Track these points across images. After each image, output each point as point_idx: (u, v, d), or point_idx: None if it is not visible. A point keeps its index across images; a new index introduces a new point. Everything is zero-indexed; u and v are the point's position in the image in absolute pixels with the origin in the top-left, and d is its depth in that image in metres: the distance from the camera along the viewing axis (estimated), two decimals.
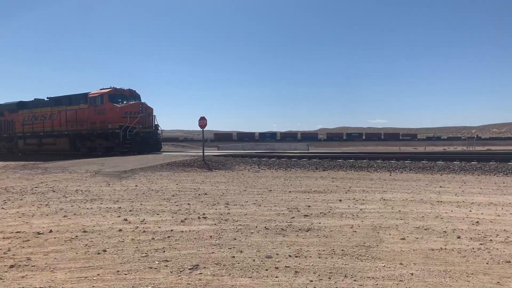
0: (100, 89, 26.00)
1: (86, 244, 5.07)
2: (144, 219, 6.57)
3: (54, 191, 10.11)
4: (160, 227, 6.01)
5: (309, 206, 7.64)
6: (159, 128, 26.76)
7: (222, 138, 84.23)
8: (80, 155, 25.57)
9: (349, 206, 7.62)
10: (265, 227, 5.95)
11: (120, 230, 5.80)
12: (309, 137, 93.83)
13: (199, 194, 9.40)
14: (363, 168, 15.60)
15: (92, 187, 11.04)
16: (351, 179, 12.73)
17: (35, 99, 29.89)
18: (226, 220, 6.49)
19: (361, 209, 7.29)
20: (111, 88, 25.70)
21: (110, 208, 7.61)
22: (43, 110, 28.63)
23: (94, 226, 6.05)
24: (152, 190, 10.24)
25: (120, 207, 7.66)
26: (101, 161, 19.12)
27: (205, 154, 19.63)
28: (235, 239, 5.30)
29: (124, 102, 25.41)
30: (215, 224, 6.16)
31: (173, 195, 9.25)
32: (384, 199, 8.44)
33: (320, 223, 6.22)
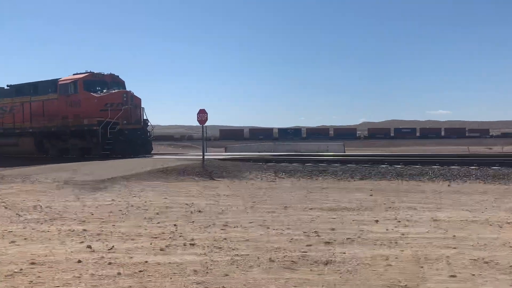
0: (73, 74, 26.24)
1: (31, 281, 5.04)
2: (113, 246, 6.55)
3: (6, 207, 10.23)
4: (131, 257, 5.95)
5: (333, 229, 7.53)
6: (148, 123, 26.89)
7: (230, 135, 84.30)
8: (48, 159, 25.92)
9: (387, 229, 7.47)
10: (269, 258, 5.83)
11: (79, 261, 5.77)
12: (345, 133, 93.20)
13: (191, 212, 9.40)
14: (414, 176, 15.37)
15: (55, 201, 11.15)
16: (395, 191, 12.61)
17: None
18: (220, 248, 6.40)
19: (402, 234, 7.13)
20: (88, 72, 25.86)
21: (73, 230, 7.63)
22: (1, 102, 29.19)
23: (46, 256, 6.04)
24: (132, 206, 10.30)
25: (85, 230, 7.67)
26: (74, 167, 19.33)
27: (208, 157, 19.68)
28: (227, 275, 5.20)
29: (104, 90, 25.55)
30: (205, 254, 6.08)
31: (157, 213, 9.27)
32: (436, 220, 8.26)
33: (344, 253, 6.06)
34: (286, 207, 9.94)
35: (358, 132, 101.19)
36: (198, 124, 19.18)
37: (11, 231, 7.63)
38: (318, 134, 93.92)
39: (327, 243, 6.61)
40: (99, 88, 25.73)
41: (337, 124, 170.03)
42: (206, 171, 17.11)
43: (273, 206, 10.09)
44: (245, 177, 16.66)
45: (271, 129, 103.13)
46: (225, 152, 32.57)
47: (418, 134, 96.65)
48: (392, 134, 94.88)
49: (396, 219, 8.35)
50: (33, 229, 7.82)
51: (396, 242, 6.60)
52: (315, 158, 19.91)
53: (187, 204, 10.40)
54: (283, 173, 17.05)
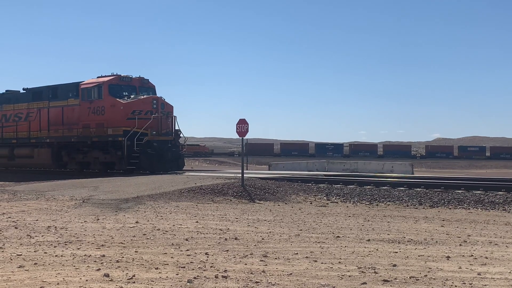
0: (98, 77, 27.01)
1: None
2: (134, 275, 6.65)
3: (16, 228, 10.57)
4: None
5: (394, 265, 7.42)
6: (181, 135, 27.30)
7: (256, 150, 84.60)
8: (66, 174, 26.74)
9: (460, 268, 7.30)
10: None
11: None
12: (397, 151, 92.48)
13: (225, 239, 9.47)
14: (496, 204, 15.01)
15: (72, 222, 11.45)
16: (473, 222, 12.44)
17: (6, 91, 31.73)
18: (257, 282, 6.40)
19: (479, 274, 6.95)
20: (113, 75, 26.61)
21: (90, 256, 7.79)
22: (16, 107, 30.29)
23: (58, 284, 6.19)
24: (159, 229, 10.49)
25: (103, 255, 7.82)
26: (95, 184, 19.93)
27: (249, 175, 19.79)
28: None
29: (132, 96, 26.22)
30: None
31: (186, 239, 9.39)
32: None
33: None
34: (338, 237, 9.90)
35: (414, 150, 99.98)
36: (238, 137, 19.35)
37: (20, 254, 7.86)
38: (364, 151, 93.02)
39: (386, 281, 6.50)
40: (126, 94, 26.44)
41: (405, 140, 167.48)
42: (246, 192, 17.30)
43: (323, 235, 10.08)
44: (291, 200, 16.75)
45: (306, 144, 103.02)
46: (269, 170, 32.74)
47: (488, 153, 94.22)
48: (455, 154, 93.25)
49: (472, 255, 8.16)
50: (45, 252, 8.04)
51: (471, 284, 6.42)
52: (376, 180, 19.71)
53: (221, 230, 10.49)
54: (337, 197, 17.07)
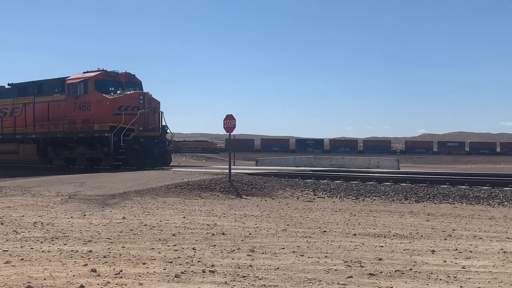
0: (84, 72, 26.88)
1: None
2: (121, 270, 6.66)
3: (2, 223, 10.54)
4: (141, 284, 6.04)
5: (380, 259, 7.49)
6: (168, 131, 27.29)
7: (236, 146, 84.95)
8: (52, 170, 26.61)
9: (445, 261, 7.37)
10: None
11: (82, 286, 5.89)
12: (377, 146, 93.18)
13: (213, 234, 9.49)
14: (481, 199, 15.18)
15: (59, 218, 11.43)
16: (458, 216, 12.54)
17: None
18: (244, 276, 6.43)
19: (463, 267, 7.02)
20: (100, 70, 26.51)
21: (76, 251, 7.79)
22: (1, 103, 30.20)
23: (45, 279, 6.19)
24: (146, 225, 10.49)
25: (91, 251, 7.82)
26: (81, 179, 19.86)
27: (236, 171, 19.83)
28: None
29: (118, 91, 26.13)
30: (226, 283, 6.12)
31: (174, 234, 9.40)
32: (506, 251, 8.12)
33: (391, 287, 6.01)
34: (325, 231, 9.94)
35: (393, 146, 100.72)
36: (225, 132, 19.40)
37: (7, 250, 7.84)
38: (345, 146, 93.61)
39: (372, 274, 6.56)
40: (113, 89, 26.33)
41: (391, 136, 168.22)
42: (233, 188, 17.33)
43: (310, 230, 10.11)
44: (278, 195, 16.80)
45: (287, 140, 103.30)
46: (256, 165, 32.81)
47: (467, 148, 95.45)
48: (435, 149, 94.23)
49: (457, 249, 8.24)
50: (31, 248, 8.02)
51: (455, 277, 6.50)
52: (362, 175, 19.85)
53: (208, 225, 10.52)
54: (324, 192, 17.15)
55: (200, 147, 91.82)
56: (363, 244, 8.67)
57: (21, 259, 7.26)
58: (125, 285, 6.02)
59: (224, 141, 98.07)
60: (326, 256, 7.63)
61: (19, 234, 9.35)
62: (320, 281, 6.27)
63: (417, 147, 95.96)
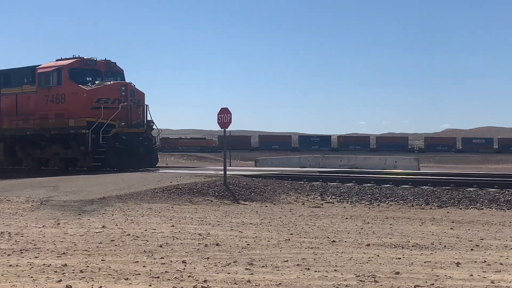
0: (57, 60, 25.46)
1: None
2: (100, 286, 6.29)
3: None
4: None
5: (397, 272, 7.00)
6: (154, 126, 26.21)
7: (230, 143, 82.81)
8: (22, 172, 25.65)
9: (471, 275, 6.89)
10: None
11: None
12: (393, 144, 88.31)
13: (206, 245, 9.07)
14: None
15: (29, 227, 11.00)
16: (486, 224, 12.12)
17: None
18: None
19: (492, 282, 6.55)
20: (75, 58, 24.99)
21: (49, 265, 7.32)
22: None
23: None
24: (129, 235, 10.08)
25: (65, 265, 7.36)
26: (55, 183, 19.14)
27: (232, 173, 19.48)
28: None
29: (97, 82, 24.72)
30: None
31: (161, 245, 8.98)
32: None
33: None
34: (334, 241, 9.53)
35: (411, 144, 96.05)
36: (220, 128, 18.57)
37: None
38: (355, 144, 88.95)
39: None
40: (90, 79, 24.78)
41: (410, 132, 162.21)
42: (229, 192, 16.71)
43: (317, 240, 9.71)
44: (280, 200, 16.34)
45: (288, 136, 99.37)
46: (255, 166, 31.97)
47: (496, 145, 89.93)
48: (458, 147, 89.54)
49: (485, 261, 7.76)
50: None
51: None
52: (377, 177, 19.27)
53: (200, 235, 10.05)
54: (333, 196, 16.70)
55: (199, 145, 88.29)
56: (377, 256, 8.25)
57: None
58: None
59: (217, 138, 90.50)
60: (335, 270, 7.19)
61: None
62: None
63: (438, 145, 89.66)
